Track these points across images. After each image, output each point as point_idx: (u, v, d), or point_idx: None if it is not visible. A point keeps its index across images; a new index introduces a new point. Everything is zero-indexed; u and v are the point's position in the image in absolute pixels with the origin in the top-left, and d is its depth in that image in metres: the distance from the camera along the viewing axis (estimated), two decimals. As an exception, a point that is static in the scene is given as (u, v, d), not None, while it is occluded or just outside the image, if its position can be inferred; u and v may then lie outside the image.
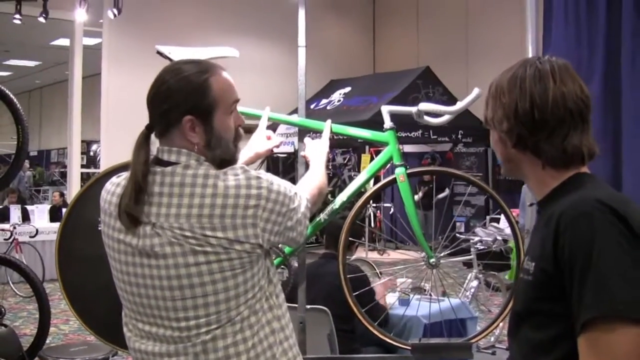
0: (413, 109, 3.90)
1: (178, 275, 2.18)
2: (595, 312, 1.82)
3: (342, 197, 3.96)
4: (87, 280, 4.09)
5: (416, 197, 16.16)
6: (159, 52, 3.89)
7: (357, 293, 4.19)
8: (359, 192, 3.99)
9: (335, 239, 4.45)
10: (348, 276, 4.14)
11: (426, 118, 3.95)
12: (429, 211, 15.23)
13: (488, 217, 13.81)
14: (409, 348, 4.01)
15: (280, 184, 2.32)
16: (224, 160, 2.32)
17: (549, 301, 1.98)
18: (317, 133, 3.76)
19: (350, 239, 4.35)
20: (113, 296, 3.97)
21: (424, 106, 3.86)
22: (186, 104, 2.27)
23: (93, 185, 4.14)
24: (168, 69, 2.33)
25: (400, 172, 3.93)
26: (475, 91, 3.68)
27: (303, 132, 4.12)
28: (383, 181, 4.12)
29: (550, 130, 2.06)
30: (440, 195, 14.98)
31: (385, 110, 4.01)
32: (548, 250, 1.96)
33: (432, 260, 4.00)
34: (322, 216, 3.96)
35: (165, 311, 2.24)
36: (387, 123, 3.98)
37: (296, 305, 4.09)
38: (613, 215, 1.89)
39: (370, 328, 4.05)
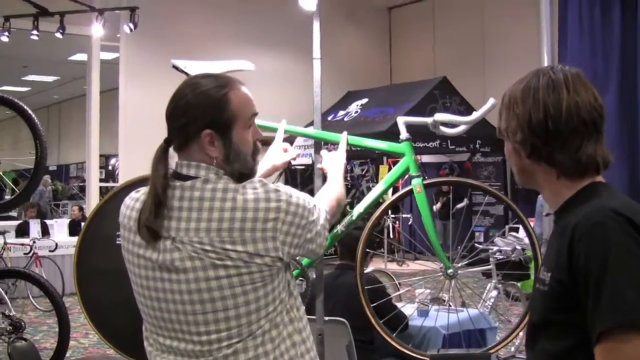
0: (429, 120, 3.91)
1: (199, 289, 2.18)
2: (612, 322, 1.81)
3: (359, 209, 3.96)
4: (106, 293, 4.11)
5: (435, 207, 16.15)
6: (174, 67, 3.92)
7: (375, 304, 4.18)
8: (376, 203, 4.00)
9: (351, 250, 4.45)
10: (366, 287, 4.14)
11: (442, 128, 3.95)
12: (447, 221, 15.19)
13: (507, 227, 13.76)
14: (428, 359, 4.00)
15: (299, 196, 2.32)
16: (243, 174, 2.30)
17: (565, 312, 1.98)
18: (333, 145, 3.77)
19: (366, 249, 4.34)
20: (132, 309, 3.97)
21: (440, 117, 3.87)
22: (205, 118, 2.26)
23: (111, 199, 4.17)
24: (187, 83, 2.34)
25: (417, 183, 3.93)
26: (491, 101, 3.68)
27: (319, 145, 4.14)
28: (400, 192, 4.13)
29: (564, 140, 2.05)
30: (459, 205, 14.91)
31: (401, 121, 4.02)
32: (563, 260, 1.95)
33: (450, 270, 3.99)
34: (340, 228, 3.97)
35: (186, 325, 2.23)
36: (403, 134, 3.98)
37: (314, 317, 4.09)
38: (628, 225, 1.88)
39: (388, 339, 4.05)
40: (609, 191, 2.08)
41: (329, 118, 17.09)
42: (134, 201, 2.37)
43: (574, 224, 1.95)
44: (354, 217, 3.95)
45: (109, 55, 16.13)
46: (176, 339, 2.27)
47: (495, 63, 17.37)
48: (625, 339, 1.80)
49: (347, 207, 14.96)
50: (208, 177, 2.25)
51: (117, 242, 4.15)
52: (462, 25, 18.76)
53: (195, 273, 2.18)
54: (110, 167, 21.52)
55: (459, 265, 4.16)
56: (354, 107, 17.30)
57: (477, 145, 16.38)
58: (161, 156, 2.31)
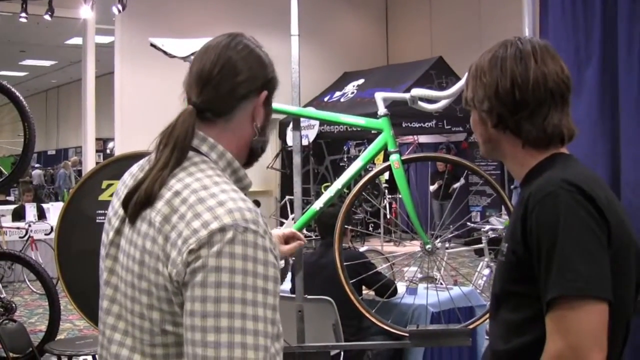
0: (407, 95, 3.90)
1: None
2: (561, 291, 1.85)
3: (337, 185, 3.96)
4: (87, 273, 4.11)
5: (431, 188, 16.17)
6: (152, 45, 3.90)
7: (359, 278, 4.19)
8: (354, 180, 4.00)
9: (331, 227, 4.45)
10: (351, 262, 4.16)
11: (421, 104, 3.94)
12: (445, 201, 15.22)
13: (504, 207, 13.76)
14: (407, 335, 4.01)
15: None
16: (263, 150, 2.09)
17: (523, 283, 2.00)
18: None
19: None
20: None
21: (417, 92, 3.85)
22: (265, 77, 2.03)
23: (89, 179, 4.17)
24: (229, 42, 2.03)
25: (395, 159, 3.93)
26: (466, 76, 3.67)
27: (297, 122, 4.13)
28: (377, 168, 4.12)
29: (531, 109, 2.08)
30: (455, 186, 14.97)
31: (380, 97, 4.01)
32: (517, 231, 1.99)
33: (428, 246, 3.99)
34: (318, 204, 3.97)
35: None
36: (381, 110, 3.98)
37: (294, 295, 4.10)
38: (580, 194, 1.90)
39: (368, 315, 4.05)
40: (566, 162, 2.11)
41: (326, 99, 17.08)
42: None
43: (528, 194, 1.98)
44: (332, 194, 3.95)
45: (105, 39, 16.09)
46: None
47: (492, 43, 17.12)
48: (571, 307, 1.84)
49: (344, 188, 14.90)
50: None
51: (98, 222, 4.20)
52: (459, 5, 18.68)
53: None
54: (108, 151, 21.54)
55: (437, 241, 4.16)
56: (350, 88, 17.27)
57: (474, 125, 16.34)
58: (193, 126, 1.95)
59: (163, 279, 1.75)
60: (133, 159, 4.15)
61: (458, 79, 16.19)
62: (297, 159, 4.05)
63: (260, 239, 1.73)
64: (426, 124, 15.23)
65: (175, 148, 1.89)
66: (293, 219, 3.97)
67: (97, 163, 16.45)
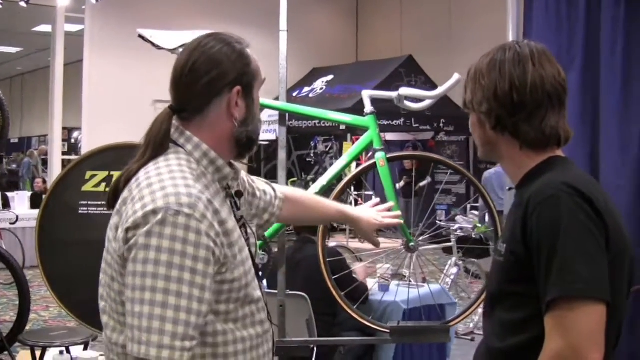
0: (394, 94, 3.93)
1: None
2: (561, 292, 1.89)
3: (322, 182, 3.98)
4: (68, 264, 4.10)
5: (398, 185, 16.21)
6: (140, 36, 3.88)
7: (336, 276, 4.20)
8: (339, 177, 4.01)
9: None
10: (331, 259, 4.16)
11: (407, 103, 3.97)
12: (410, 199, 15.27)
13: (468, 205, 13.86)
14: (388, 331, 4.04)
15: None
16: (252, 139, 2.19)
17: (521, 283, 2.03)
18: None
19: None
20: (94, 280, 3.97)
21: (405, 91, 3.89)
22: (236, 72, 2.11)
23: (73, 170, 4.14)
24: (198, 42, 2.14)
25: (380, 157, 3.95)
26: (455, 76, 3.71)
27: (283, 117, 4.14)
28: (363, 165, 4.13)
29: (529, 111, 2.11)
30: (421, 184, 15.02)
31: (366, 95, 4.03)
32: (517, 232, 2.02)
33: (411, 244, 4.01)
34: (302, 200, 3.97)
35: None
36: (368, 108, 4.00)
37: (276, 291, 4.10)
38: (580, 198, 1.94)
39: (350, 311, 4.07)
40: (565, 165, 2.14)
41: (294, 94, 17.07)
42: None
43: (529, 196, 2.02)
44: (316, 190, 3.96)
45: (73, 27, 15.95)
46: None
47: (461, 43, 17.39)
48: (571, 308, 1.88)
49: (311, 183, 14.94)
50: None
51: (81, 212, 4.19)
52: (430, 3, 18.76)
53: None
54: (73, 140, 21.33)
55: (420, 239, 4.20)
56: (320, 84, 17.30)
57: (441, 124, 16.50)
58: (168, 124, 2.12)
59: (115, 254, 1.95)
60: (117, 150, 4.18)
61: (427, 77, 16.41)
62: (282, 154, 4.05)
63: (193, 222, 1.88)
64: (394, 121, 15.28)
65: (149, 145, 2.09)
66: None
67: (63, 153, 16.39)
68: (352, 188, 16.33)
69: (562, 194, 1.95)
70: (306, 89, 17.45)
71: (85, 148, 15.22)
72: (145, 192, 1.94)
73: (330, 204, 3.08)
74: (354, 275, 5.25)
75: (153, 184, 1.95)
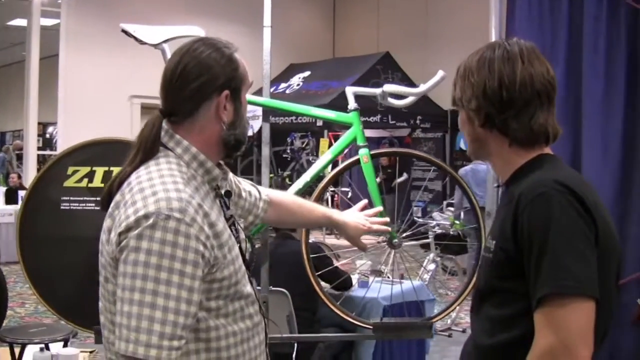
0: (378, 91, 3.93)
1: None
2: (552, 289, 1.90)
3: (305, 178, 3.97)
4: (50, 260, 4.07)
5: (375, 181, 16.20)
6: (123, 31, 3.86)
7: (319, 273, 4.21)
8: (322, 173, 4.02)
9: None
10: (314, 255, 4.17)
11: (390, 100, 3.97)
12: (388, 195, 15.29)
13: (445, 202, 13.90)
14: (371, 327, 4.05)
15: None
16: (240, 141, 2.24)
17: (510, 279, 2.05)
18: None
19: None
20: (77, 276, 3.96)
21: (389, 87, 3.89)
22: (224, 76, 2.16)
23: (54, 165, 4.11)
24: (186, 48, 2.19)
25: (364, 153, 3.96)
26: (440, 74, 3.72)
27: (267, 113, 4.14)
28: (347, 162, 4.14)
29: (518, 109, 2.13)
30: (399, 180, 15.05)
31: (350, 91, 4.03)
32: (508, 229, 2.03)
33: (394, 240, 4.02)
34: (286, 197, 3.97)
35: None
36: (352, 104, 4.00)
37: (259, 287, 4.10)
38: (571, 196, 1.96)
39: (333, 308, 4.08)
40: (554, 163, 2.16)
41: (271, 90, 16.88)
42: None
43: (519, 193, 2.03)
44: (300, 186, 3.96)
45: (49, 22, 15.84)
46: None
47: (438, 40, 17.46)
48: (561, 304, 1.90)
49: (287, 180, 14.83)
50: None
51: (62, 208, 4.15)
52: (407, 0, 18.78)
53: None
54: (48, 135, 21.17)
55: (403, 236, 4.21)
56: (296, 80, 17.28)
57: (418, 121, 16.53)
58: (158, 128, 2.16)
59: (108, 256, 2.02)
60: (100, 145, 4.17)
61: (404, 74, 16.42)
62: (265, 151, 4.05)
63: (183, 226, 1.94)
64: (371, 118, 15.28)
65: (140, 148, 2.14)
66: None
67: (38, 148, 16.26)
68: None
69: (553, 191, 1.97)
70: (283, 85, 17.43)
71: (61, 143, 15.13)
72: (137, 197, 1.99)
73: (316, 208, 3.12)
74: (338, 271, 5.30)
75: (145, 188, 2.01)
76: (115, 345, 1.93)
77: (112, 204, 2.07)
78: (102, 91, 14.98)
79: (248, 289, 2.21)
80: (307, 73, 17.37)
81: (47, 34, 15.24)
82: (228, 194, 2.33)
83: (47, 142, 20.57)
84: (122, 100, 15.22)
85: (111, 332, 2.06)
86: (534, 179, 2.05)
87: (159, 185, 2.01)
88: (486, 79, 2.15)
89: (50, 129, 20.51)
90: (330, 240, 15.22)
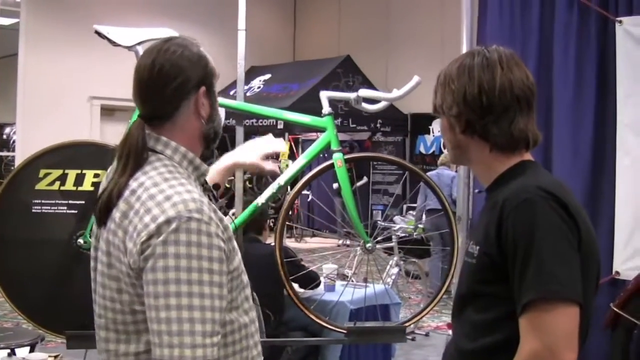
0: (352, 95, 3.94)
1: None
2: (537, 294, 1.93)
3: (279, 182, 3.97)
4: (21, 264, 4.02)
5: (335, 185, 16.21)
6: (97, 32, 3.85)
7: (293, 277, 4.22)
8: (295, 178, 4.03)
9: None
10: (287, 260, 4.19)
11: (364, 105, 3.99)
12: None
13: (405, 206, 13.96)
14: (344, 331, 4.06)
15: None
16: (218, 132, 2.29)
17: (493, 284, 2.07)
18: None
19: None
20: (47, 280, 3.91)
21: (364, 92, 3.90)
22: (198, 74, 2.18)
23: (25, 167, 4.06)
24: (155, 50, 2.19)
25: (338, 158, 3.97)
26: (415, 79, 3.74)
27: (240, 117, 4.14)
28: (320, 166, 4.14)
29: (498, 114, 2.15)
30: (359, 183, 15.06)
31: (324, 95, 4.03)
32: (492, 235, 2.05)
33: (368, 245, 4.04)
34: (260, 200, 3.97)
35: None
36: (326, 109, 4.01)
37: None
38: (554, 202, 1.99)
39: (306, 312, 4.08)
40: (536, 169, 2.20)
41: (231, 92, 16.93)
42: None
43: (503, 199, 2.05)
44: (274, 190, 3.96)
45: (7, 21, 15.65)
46: None
47: (399, 44, 17.51)
48: (547, 309, 1.92)
49: (247, 183, 14.82)
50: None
51: (34, 211, 4.11)
52: (368, 4, 18.81)
53: None
54: (4, 136, 20.88)
55: (375, 240, 4.22)
56: (257, 83, 17.23)
57: (378, 125, 16.59)
58: (143, 134, 2.15)
59: (125, 267, 1.99)
60: (72, 148, 4.13)
61: (365, 77, 16.47)
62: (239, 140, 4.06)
63: (204, 226, 1.96)
64: (332, 121, 15.28)
65: (131, 155, 2.12)
66: (234, 214, 3.97)
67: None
68: (289, 187, 16.33)
69: (537, 197, 2.00)
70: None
71: (20, 144, 14.94)
72: (150, 204, 1.99)
73: (213, 171, 3.05)
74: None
75: (155, 195, 2.01)
76: (156, 353, 1.92)
77: (117, 215, 2.05)
78: (61, 92, 14.80)
79: (246, 277, 2.25)
80: (267, 76, 17.34)
81: (6, 33, 15.06)
82: (216, 186, 2.43)
83: (4, 143, 20.29)
84: (82, 101, 15.05)
85: (120, 343, 2.08)
86: (518, 185, 2.08)
87: (169, 190, 2.02)
88: (466, 86, 2.18)
89: (7, 130, 20.24)
90: (291, 243, 15.27)
